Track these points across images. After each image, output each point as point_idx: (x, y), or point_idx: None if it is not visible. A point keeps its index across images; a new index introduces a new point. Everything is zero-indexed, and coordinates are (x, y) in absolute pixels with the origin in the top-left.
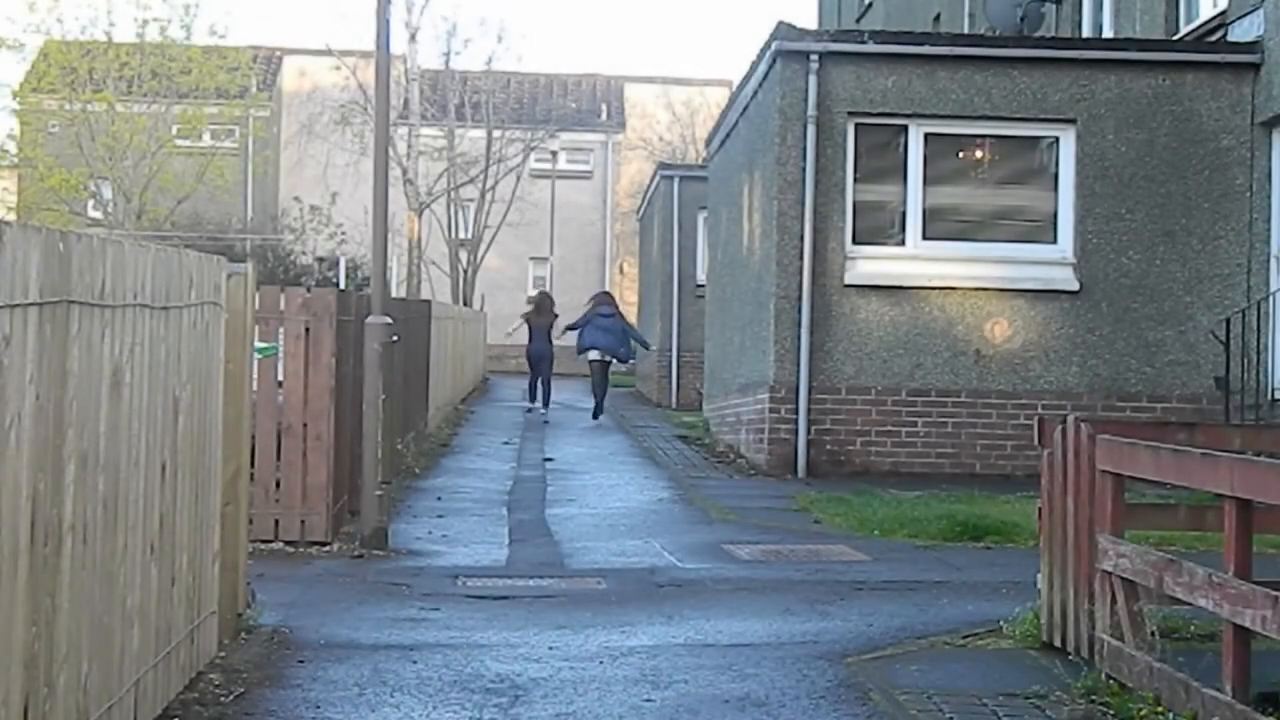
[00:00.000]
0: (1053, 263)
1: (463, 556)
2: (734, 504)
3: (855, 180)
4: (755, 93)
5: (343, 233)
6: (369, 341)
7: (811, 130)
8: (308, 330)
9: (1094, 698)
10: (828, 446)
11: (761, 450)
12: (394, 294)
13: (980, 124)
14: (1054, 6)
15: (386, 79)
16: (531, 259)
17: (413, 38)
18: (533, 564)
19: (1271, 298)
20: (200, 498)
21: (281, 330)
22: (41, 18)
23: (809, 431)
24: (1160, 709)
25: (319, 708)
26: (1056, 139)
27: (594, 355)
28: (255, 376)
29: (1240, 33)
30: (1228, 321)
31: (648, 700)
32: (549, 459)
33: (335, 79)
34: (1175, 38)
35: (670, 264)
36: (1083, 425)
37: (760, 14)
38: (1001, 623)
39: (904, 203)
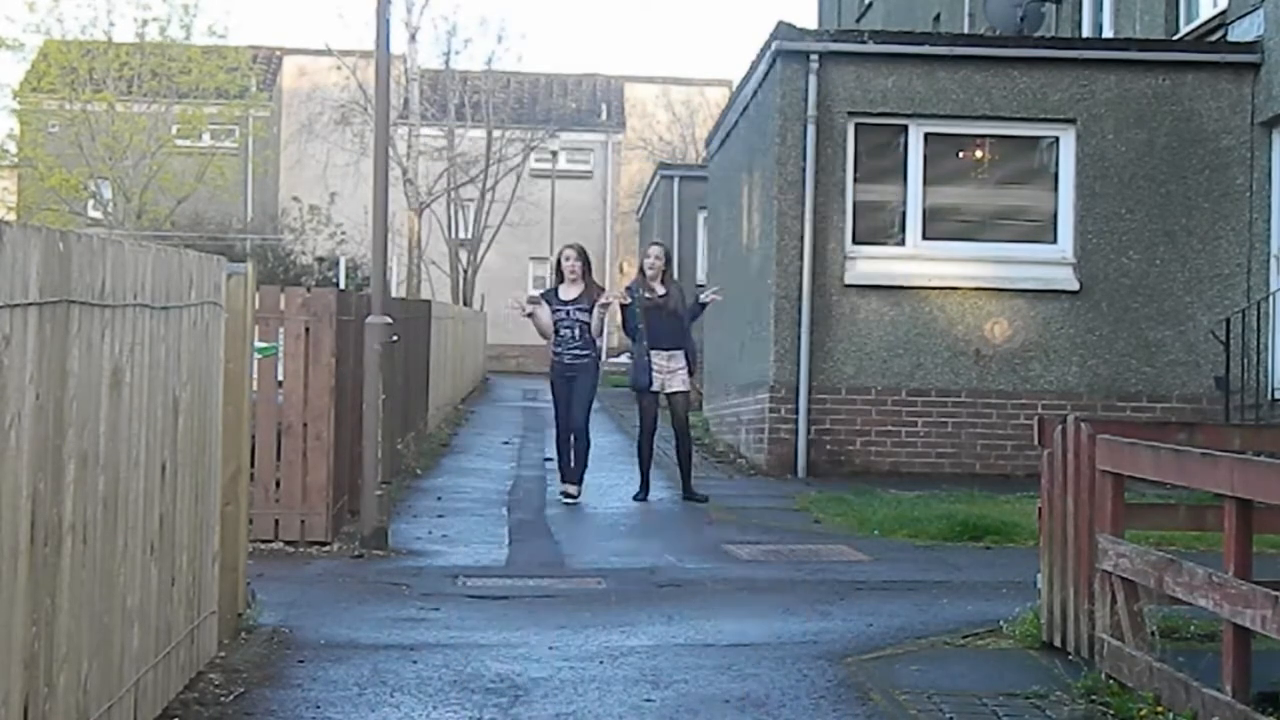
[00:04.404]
0: (1053, 262)
1: (463, 556)
2: (734, 504)
3: (855, 180)
4: (755, 93)
5: (343, 233)
6: (369, 341)
7: (811, 130)
8: (308, 330)
9: (1094, 698)
10: (828, 446)
11: (761, 450)
12: (394, 294)
13: (980, 124)
14: (1054, 6)
15: (386, 79)
16: (531, 259)
17: (413, 38)
18: (533, 564)
19: (1271, 298)
20: (200, 498)
21: (281, 330)
22: (41, 18)
23: (809, 431)
24: (1160, 709)
25: (319, 708)
26: (1056, 139)
27: None
28: (255, 376)
29: (1240, 33)
30: (1228, 321)
31: (648, 700)
32: (549, 459)
33: (335, 79)
34: (1175, 38)
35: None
36: (1083, 425)
37: (760, 14)
38: (1001, 623)
39: (904, 203)
